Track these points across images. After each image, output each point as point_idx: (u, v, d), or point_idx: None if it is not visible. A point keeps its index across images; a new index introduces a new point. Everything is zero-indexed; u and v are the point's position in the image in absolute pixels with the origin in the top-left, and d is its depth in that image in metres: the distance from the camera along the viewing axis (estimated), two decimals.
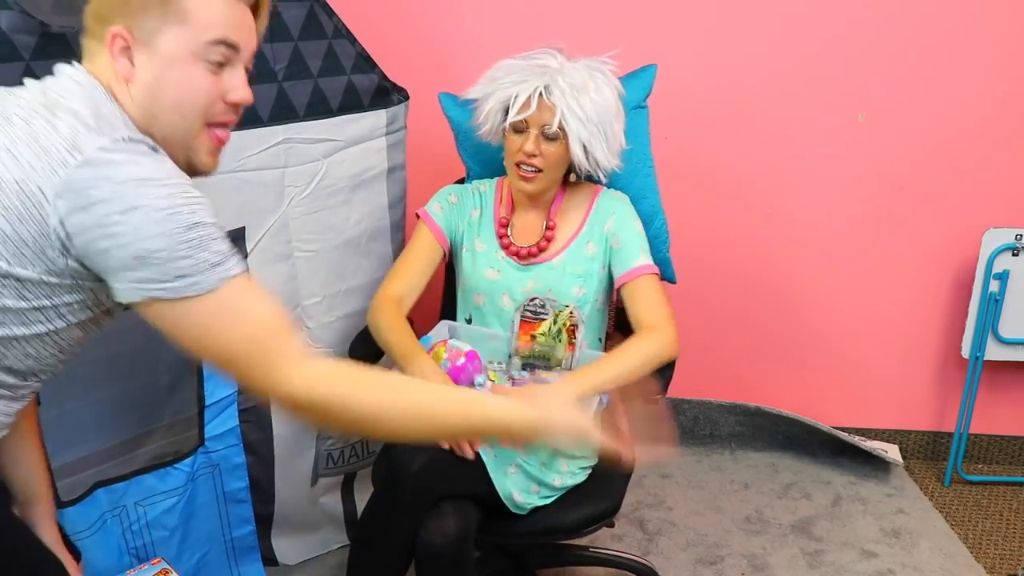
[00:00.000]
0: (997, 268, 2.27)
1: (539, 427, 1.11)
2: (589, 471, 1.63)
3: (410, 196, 1.96)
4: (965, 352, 2.36)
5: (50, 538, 1.23)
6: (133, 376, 1.75)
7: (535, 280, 1.68)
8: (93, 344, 1.11)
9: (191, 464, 1.70)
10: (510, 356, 1.68)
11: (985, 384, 2.43)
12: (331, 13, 1.70)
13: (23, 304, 0.96)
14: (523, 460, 1.54)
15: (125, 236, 0.90)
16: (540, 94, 1.56)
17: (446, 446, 1.47)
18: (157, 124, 1.02)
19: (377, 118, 1.82)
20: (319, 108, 1.71)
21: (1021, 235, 2.25)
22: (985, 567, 2.08)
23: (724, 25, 2.20)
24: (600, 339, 1.76)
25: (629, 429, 1.27)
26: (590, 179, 1.74)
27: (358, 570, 1.55)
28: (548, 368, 1.67)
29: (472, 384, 1.56)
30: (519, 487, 1.54)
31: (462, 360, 1.56)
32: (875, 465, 2.47)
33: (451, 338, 1.68)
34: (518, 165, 1.61)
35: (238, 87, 1.05)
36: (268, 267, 1.71)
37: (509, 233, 1.72)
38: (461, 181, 1.89)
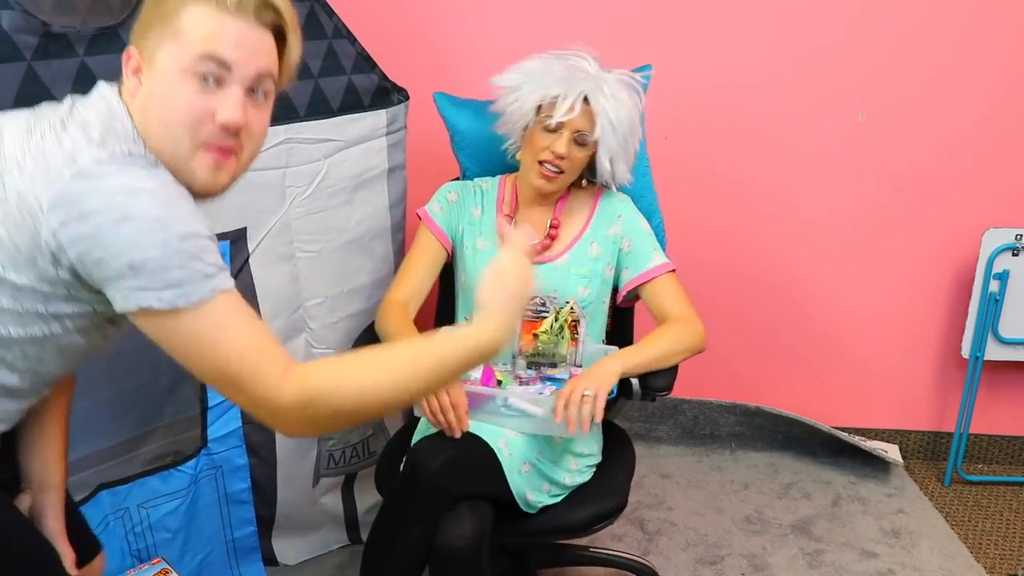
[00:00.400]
0: (997, 268, 2.27)
1: (498, 326, 1.10)
2: (594, 470, 1.64)
3: (410, 196, 1.95)
4: (965, 352, 2.36)
5: (55, 528, 1.22)
6: (133, 376, 1.75)
7: (539, 280, 1.67)
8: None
9: (194, 466, 1.70)
10: (514, 357, 1.68)
11: (985, 384, 2.43)
12: (331, 13, 1.70)
13: (18, 307, 0.98)
14: (536, 459, 1.54)
15: (118, 246, 0.91)
16: (584, 99, 1.56)
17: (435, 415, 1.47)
18: (151, 140, 1.01)
19: (377, 118, 1.82)
20: (320, 108, 1.71)
21: (1021, 235, 2.25)
22: (985, 567, 2.08)
23: (724, 25, 2.20)
24: (602, 340, 1.75)
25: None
26: (592, 181, 1.74)
27: (373, 572, 1.52)
28: (553, 365, 1.67)
29: (498, 383, 1.61)
30: (532, 486, 1.54)
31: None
32: (875, 465, 2.47)
33: None
34: (541, 163, 1.60)
35: (225, 106, 1.00)
36: (270, 268, 1.71)
37: None
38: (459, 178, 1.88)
